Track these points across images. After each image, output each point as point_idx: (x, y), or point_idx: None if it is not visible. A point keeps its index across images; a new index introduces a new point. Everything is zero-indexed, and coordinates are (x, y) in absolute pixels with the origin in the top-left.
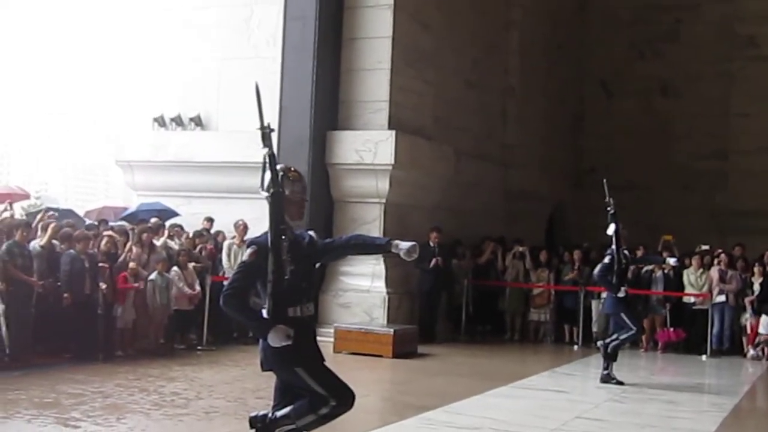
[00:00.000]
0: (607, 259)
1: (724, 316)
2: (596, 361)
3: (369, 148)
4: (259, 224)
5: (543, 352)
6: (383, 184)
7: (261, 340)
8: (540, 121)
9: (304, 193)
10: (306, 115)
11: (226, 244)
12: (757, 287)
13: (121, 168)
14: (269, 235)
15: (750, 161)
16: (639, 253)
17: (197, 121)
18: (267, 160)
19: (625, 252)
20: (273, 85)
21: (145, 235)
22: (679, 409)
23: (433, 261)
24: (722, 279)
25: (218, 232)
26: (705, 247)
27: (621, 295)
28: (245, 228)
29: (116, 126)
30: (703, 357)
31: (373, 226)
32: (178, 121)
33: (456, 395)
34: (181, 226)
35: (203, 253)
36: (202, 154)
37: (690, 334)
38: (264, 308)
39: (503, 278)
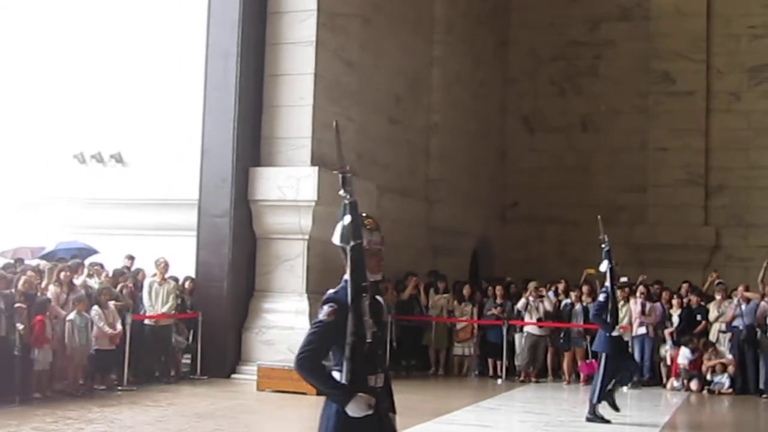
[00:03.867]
0: (602, 297)
1: (644, 347)
2: (520, 395)
3: (291, 185)
4: (179, 261)
5: (467, 386)
6: (306, 221)
7: (327, 407)
8: (463, 157)
9: (382, 243)
10: (228, 152)
11: (146, 282)
12: (675, 319)
13: (40, 205)
14: (349, 291)
15: (668, 195)
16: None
17: (117, 158)
18: (348, 206)
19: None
20: (195, 122)
21: (63, 274)
22: None
23: None
24: (643, 311)
25: (139, 270)
26: (624, 280)
27: (615, 333)
28: (166, 265)
29: (35, 163)
30: (624, 389)
31: (296, 263)
32: (98, 158)
33: None
34: (101, 265)
35: (124, 291)
36: (123, 192)
37: None
38: (337, 372)
39: (427, 313)
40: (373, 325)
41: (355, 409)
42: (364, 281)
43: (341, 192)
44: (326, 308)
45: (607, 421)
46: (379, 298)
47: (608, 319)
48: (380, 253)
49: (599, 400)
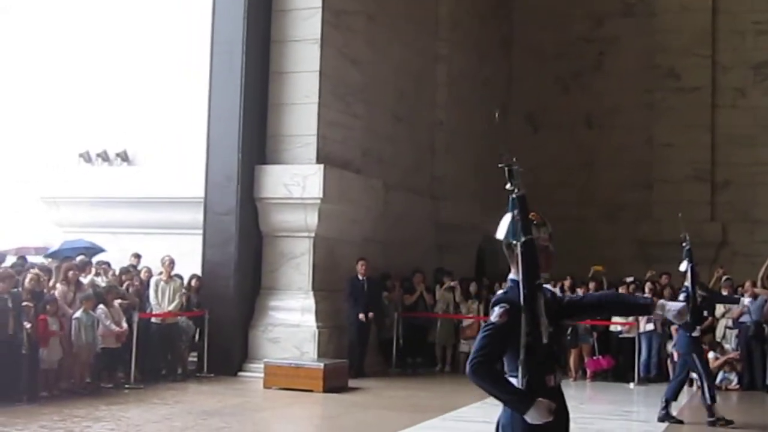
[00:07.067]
0: (681, 297)
1: (651, 344)
2: None
3: (297, 182)
4: (185, 259)
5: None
6: (312, 218)
7: (505, 414)
8: (469, 153)
9: (551, 239)
10: (234, 150)
11: (153, 280)
12: None
13: (46, 204)
14: (522, 290)
15: (674, 191)
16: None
17: (123, 157)
18: (517, 201)
19: (698, 290)
20: (200, 120)
21: (71, 273)
22: None
23: (361, 316)
24: None
25: (145, 268)
26: (630, 279)
27: (696, 334)
28: (172, 263)
29: (41, 162)
30: (631, 385)
31: (302, 260)
32: (104, 156)
33: (387, 429)
34: (108, 263)
35: (130, 289)
36: (129, 190)
37: (617, 362)
38: (513, 377)
39: (433, 310)
40: (549, 325)
41: (535, 416)
42: (538, 279)
43: (508, 186)
44: (498, 310)
45: (680, 422)
46: (548, 288)
47: (689, 319)
48: (548, 249)
49: (713, 400)
